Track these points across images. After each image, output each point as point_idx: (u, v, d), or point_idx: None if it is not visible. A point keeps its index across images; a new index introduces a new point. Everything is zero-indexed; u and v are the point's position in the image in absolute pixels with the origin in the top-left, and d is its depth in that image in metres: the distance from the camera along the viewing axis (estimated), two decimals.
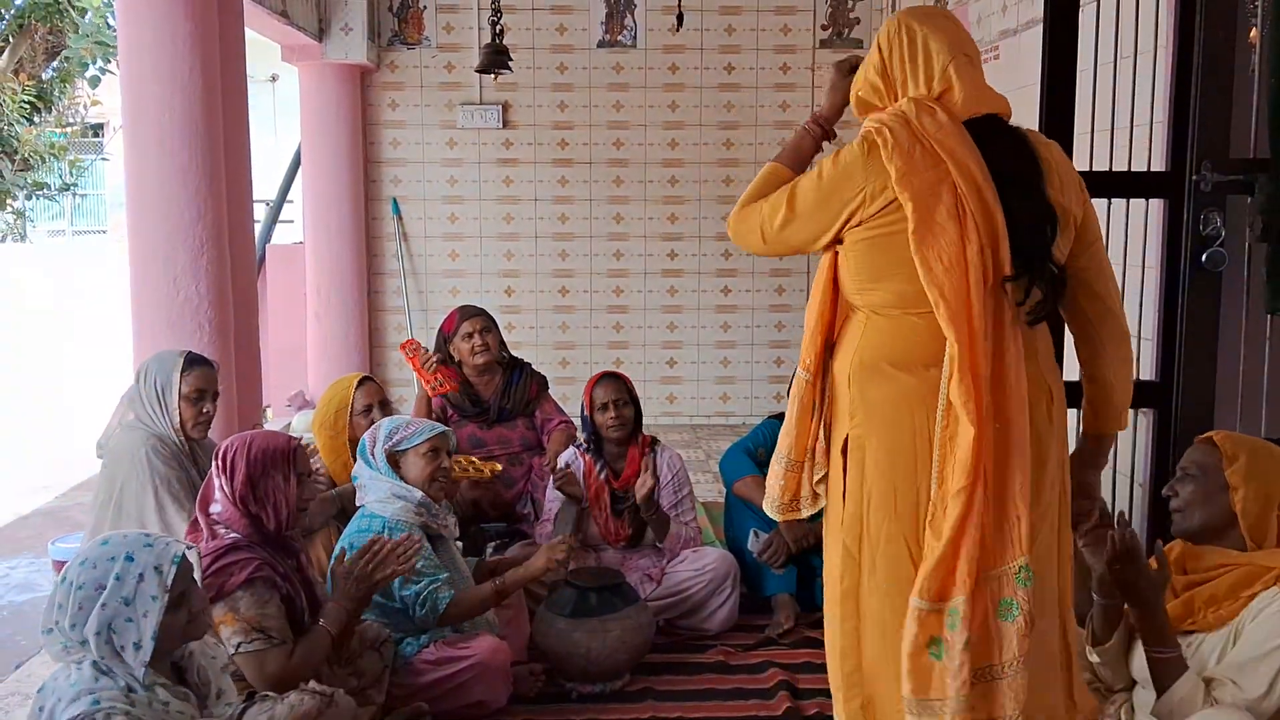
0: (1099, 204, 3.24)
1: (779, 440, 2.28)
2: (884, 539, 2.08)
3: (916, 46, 2.10)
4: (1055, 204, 2.06)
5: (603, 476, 3.86)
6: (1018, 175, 2.04)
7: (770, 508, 2.30)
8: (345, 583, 2.76)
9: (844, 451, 2.16)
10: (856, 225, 2.08)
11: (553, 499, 3.93)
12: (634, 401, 3.89)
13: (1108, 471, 3.50)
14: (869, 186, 2.05)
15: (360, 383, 3.72)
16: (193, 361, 3.38)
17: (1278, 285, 3.00)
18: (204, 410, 3.37)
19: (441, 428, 3.24)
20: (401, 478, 3.14)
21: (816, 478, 2.23)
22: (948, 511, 1.98)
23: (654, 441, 3.95)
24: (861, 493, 2.11)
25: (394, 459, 3.15)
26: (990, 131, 2.07)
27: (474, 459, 3.99)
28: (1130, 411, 3.38)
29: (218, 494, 2.66)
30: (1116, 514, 2.44)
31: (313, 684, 2.53)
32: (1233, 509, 2.41)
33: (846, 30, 7.15)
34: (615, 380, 3.90)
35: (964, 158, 2.00)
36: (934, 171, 2.00)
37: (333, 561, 3.01)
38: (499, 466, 4.01)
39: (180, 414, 3.32)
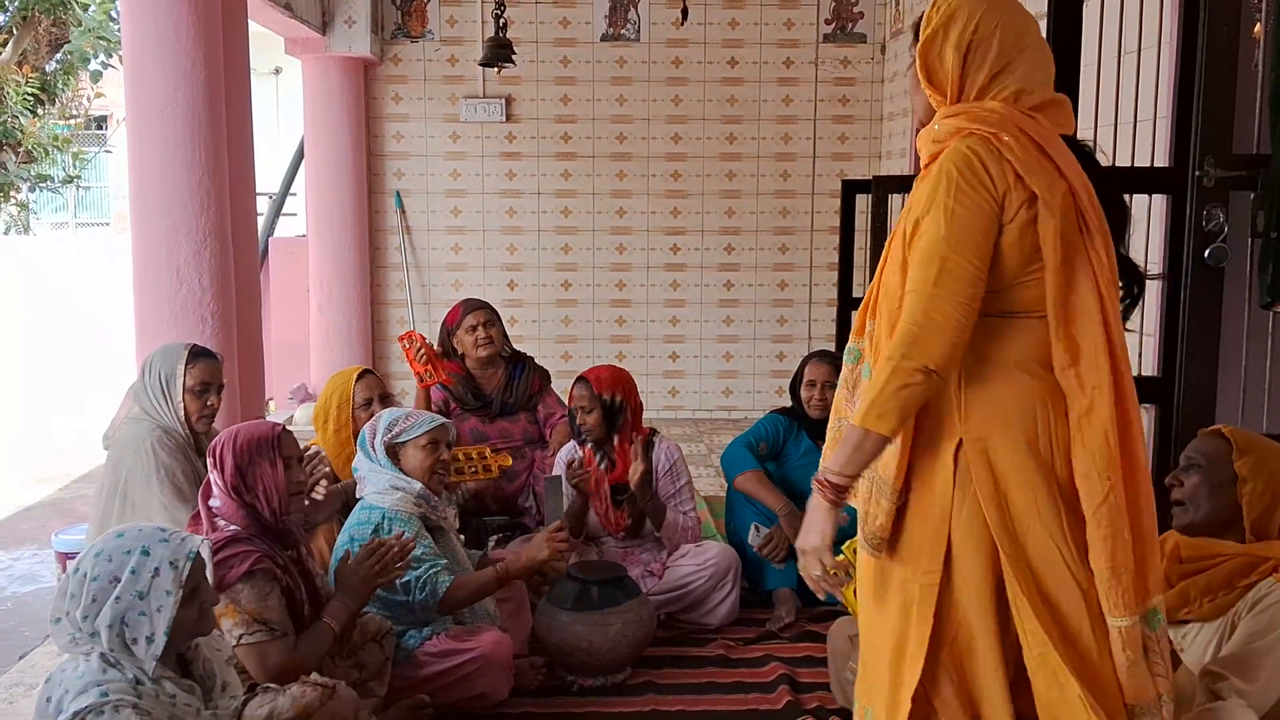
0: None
1: (874, 467, 2.02)
2: (1034, 542, 1.95)
3: (1023, 52, 1.98)
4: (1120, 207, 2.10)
5: (602, 468, 3.86)
6: (1099, 182, 2.02)
7: (867, 542, 2.07)
8: (351, 582, 2.77)
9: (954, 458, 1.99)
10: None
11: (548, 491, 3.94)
12: (603, 405, 3.82)
13: None
14: (1002, 184, 1.91)
15: (360, 376, 3.72)
16: (197, 354, 3.38)
17: (1270, 279, 3.00)
18: (209, 403, 3.36)
19: (441, 420, 3.24)
20: (401, 470, 3.15)
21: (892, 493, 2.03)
22: (1106, 517, 1.90)
23: (653, 433, 3.95)
24: (997, 497, 1.96)
25: (393, 451, 3.15)
26: (1078, 154, 2.02)
27: (485, 451, 3.98)
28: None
29: (214, 488, 2.67)
30: None
31: (314, 676, 2.54)
32: (1238, 502, 2.40)
33: (850, 25, 7.14)
34: (581, 385, 3.86)
35: (1074, 175, 1.95)
36: (1055, 183, 1.93)
37: (335, 560, 3.03)
38: (509, 461, 4.00)
39: (185, 407, 3.32)
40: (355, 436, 3.60)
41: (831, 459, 1.98)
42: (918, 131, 2.10)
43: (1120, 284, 2.04)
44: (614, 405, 3.84)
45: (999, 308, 1.98)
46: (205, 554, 2.15)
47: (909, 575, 2.02)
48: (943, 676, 2.01)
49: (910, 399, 1.89)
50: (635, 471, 3.73)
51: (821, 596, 2.14)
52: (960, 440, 1.98)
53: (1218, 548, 2.41)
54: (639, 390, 3.99)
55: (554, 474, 3.83)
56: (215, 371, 3.40)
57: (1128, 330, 3.35)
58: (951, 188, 1.90)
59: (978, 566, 1.97)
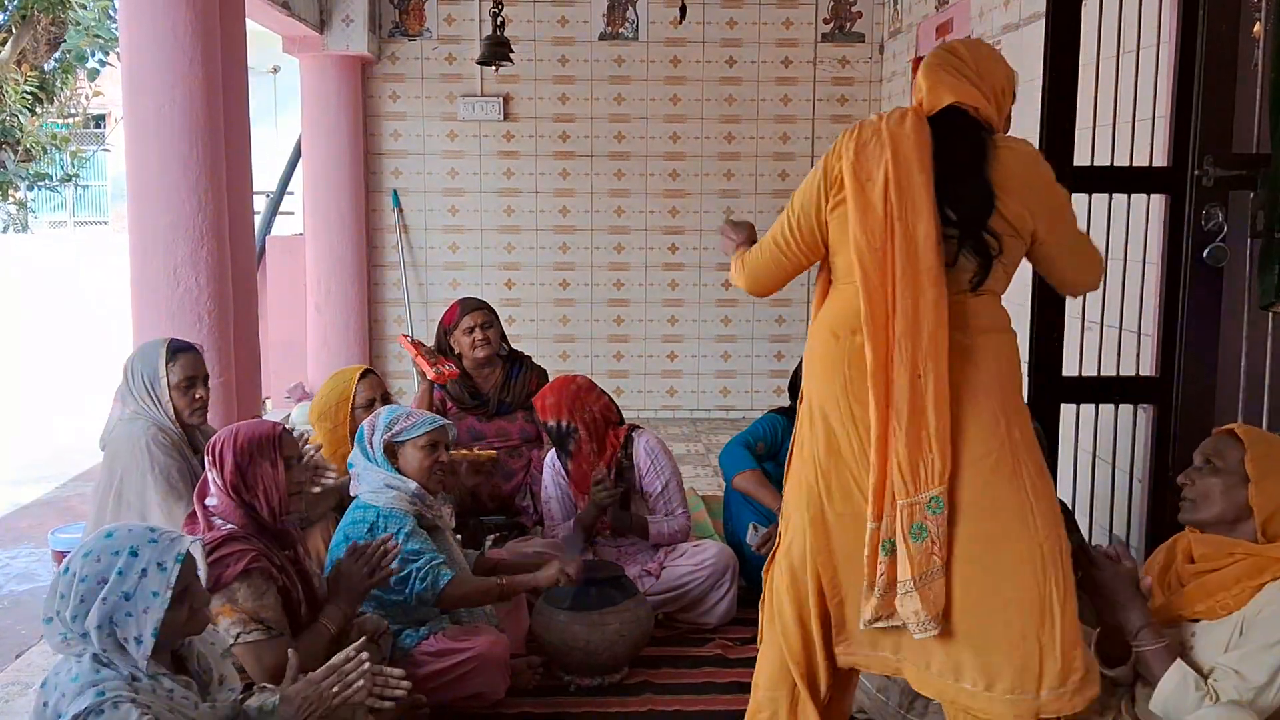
0: (1099, 199, 3.24)
1: None
2: (835, 480, 2.34)
3: (941, 75, 2.38)
4: (996, 186, 2.27)
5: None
6: (962, 160, 2.28)
7: None
8: (343, 587, 2.77)
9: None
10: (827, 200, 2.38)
11: (549, 498, 3.93)
12: (549, 431, 3.85)
13: (1106, 468, 3.51)
14: (835, 165, 2.33)
15: (363, 375, 3.71)
16: (176, 350, 3.32)
17: (1269, 279, 2.99)
18: (197, 396, 3.32)
19: (442, 420, 3.23)
20: (398, 469, 3.14)
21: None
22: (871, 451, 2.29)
23: (632, 429, 3.91)
24: (813, 436, 2.39)
25: (391, 449, 3.14)
26: (950, 126, 2.31)
27: (472, 449, 4.00)
28: (1130, 407, 3.39)
29: (212, 487, 2.66)
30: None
31: (311, 675, 2.53)
32: (1249, 503, 2.39)
33: (848, 24, 7.13)
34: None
35: (906, 147, 2.26)
36: (879, 158, 2.26)
37: (331, 556, 3.03)
38: (494, 453, 4.02)
39: (174, 404, 3.30)
40: (352, 436, 3.60)
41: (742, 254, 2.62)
42: None
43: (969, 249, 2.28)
44: (561, 430, 3.82)
45: (829, 275, 2.44)
46: (198, 554, 2.14)
47: (794, 480, 2.50)
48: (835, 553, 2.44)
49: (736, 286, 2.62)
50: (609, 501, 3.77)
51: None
52: (802, 394, 2.46)
53: (1230, 547, 2.41)
54: (631, 390, 4.01)
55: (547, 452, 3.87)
56: (197, 363, 3.35)
57: (1126, 330, 3.36)
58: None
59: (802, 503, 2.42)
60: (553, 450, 3.95)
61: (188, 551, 2.09)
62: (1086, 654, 2.24)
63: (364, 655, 2.34)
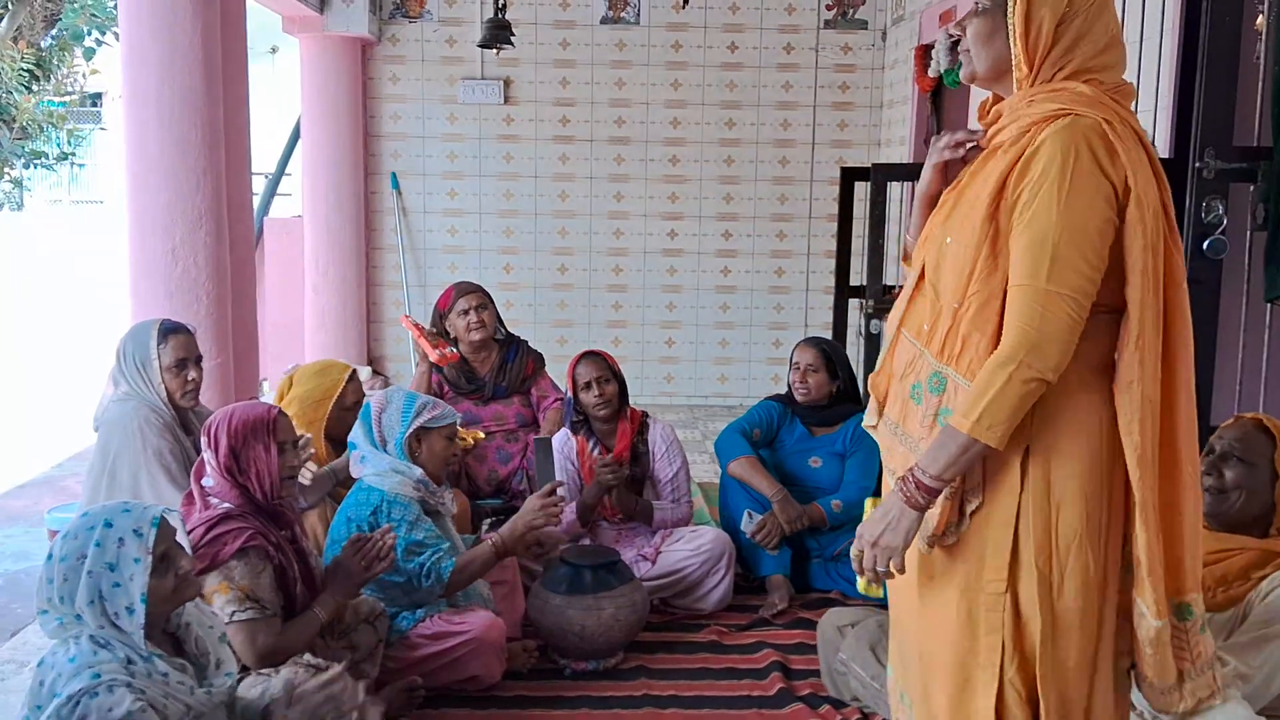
0: None
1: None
2: (1074, 553, 1.85)
3: (1096, 30, 1.82)
4: None
5: (595, 454, 3.87)
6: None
7: (923, 538, 1.93)
8: (339, 577, 2.77)
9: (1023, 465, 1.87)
10: None
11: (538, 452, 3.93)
12: (616, 377, 3.90)
13: None
14: (1118, 179, 1.77)
15: (351, 378, 3.68)
16: (168, 331, 3.31)
17: (1276, 273, 3.00)
18: (189, 378, 3.30)
19: (455, 412, 3.26)
20: (417, 455, 3.13)
21: (973, 506, 1.89)
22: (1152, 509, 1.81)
23: (645, 416, 3.95)
24: (1049, 506, 1.85)
25: (418, 436, 3.13)
26: None
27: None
28: None
29: (208, 467, 2.69)
30: None
31: (307, 657, 2.54)
32: (1274, 500, 2.38)
33: (851, 10, 7.11)
34: (595, 358, 3.90)
35: (1155, 156, 1.82)
36: (1147, 172, 1.80)
37: (330, 539, 3.03)
38: (481, 435, 4.02)
39: (165, 385, 3.29)
40: (328, 436, 3.56)
41: (928, 459, 1.82)
42: (970, 81, 1.92)
43: None
44: (623, 378, 3.90)
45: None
46: (174, 522, 2.18)
47: (972, 583, 1.90)
48: (1009, 691, 1.89)
49: (1022, 409, 1.77)
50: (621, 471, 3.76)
51: (862, 587, 1.99)
52: (1028, 446, 1.85)
53: (1234, 541, 2.40)
54: (628, 376, 4.08)
55: (543, 435, 3.81)
56: (189, 345, 3.34)
57: None
58: (1068, 173, 1.74)
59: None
60: (563, 430, 3.96)
61: (161, 517, 2.12)
62: None
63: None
